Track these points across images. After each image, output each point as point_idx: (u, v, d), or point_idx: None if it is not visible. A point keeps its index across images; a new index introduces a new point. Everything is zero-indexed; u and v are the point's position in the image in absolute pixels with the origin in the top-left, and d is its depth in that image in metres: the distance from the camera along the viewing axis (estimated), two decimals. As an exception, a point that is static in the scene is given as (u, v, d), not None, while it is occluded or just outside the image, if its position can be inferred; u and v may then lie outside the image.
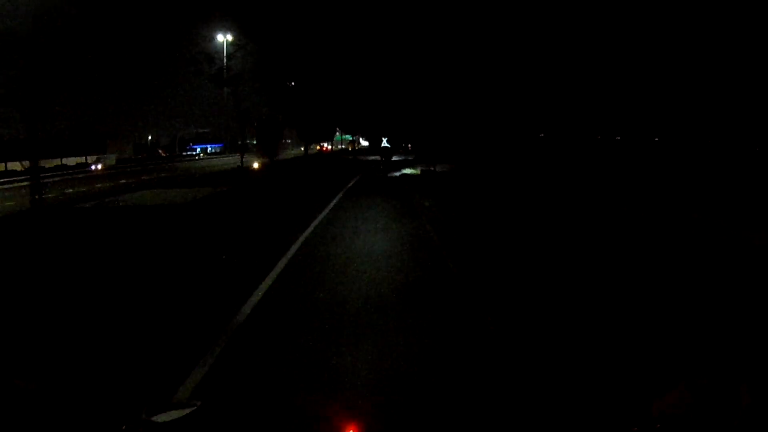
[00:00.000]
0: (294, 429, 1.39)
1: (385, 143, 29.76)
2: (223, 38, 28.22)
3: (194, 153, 53.99)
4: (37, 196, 11.58)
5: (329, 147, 65.61)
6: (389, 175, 24.04)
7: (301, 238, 8.15)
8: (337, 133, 70.55)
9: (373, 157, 37.36)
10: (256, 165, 27.96)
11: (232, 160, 41.01)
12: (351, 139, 70.59)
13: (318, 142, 49.82)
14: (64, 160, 34.66)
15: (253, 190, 17.27)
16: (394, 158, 34.82)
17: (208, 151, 57.03)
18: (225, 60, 25.61)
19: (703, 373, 2.48)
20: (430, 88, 32.88)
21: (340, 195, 14.93)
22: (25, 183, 15.64)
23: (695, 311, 4.56)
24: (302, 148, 56.36)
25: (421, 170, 24.23)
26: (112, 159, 40.91)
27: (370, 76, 39.78)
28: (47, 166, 31.02)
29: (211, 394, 3.03)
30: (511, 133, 34.74)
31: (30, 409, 1.22)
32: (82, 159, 36.89)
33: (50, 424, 1.19)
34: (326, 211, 11.44)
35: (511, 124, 34.13)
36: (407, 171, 25.54)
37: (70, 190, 18.02)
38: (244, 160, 25.74)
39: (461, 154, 29.43)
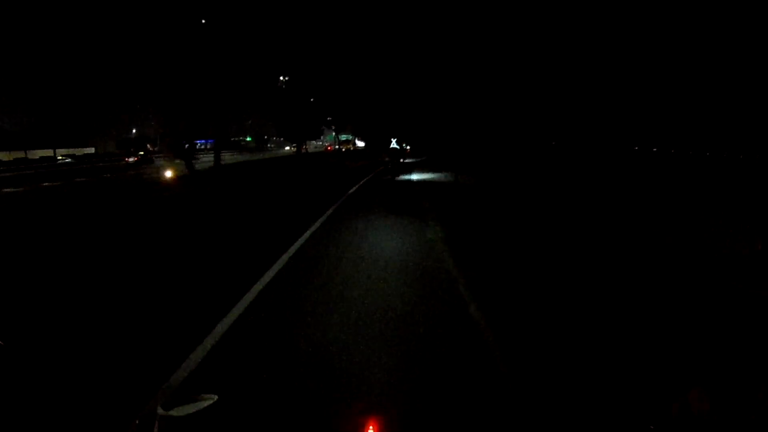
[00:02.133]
0: None
1: (394, 144, 25.70)
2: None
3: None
4: None
5: (329, 147, 63.62)
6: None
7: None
8: (332, 133, 68.77)
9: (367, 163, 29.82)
10: (169, 174, 20.03)
11: (207, 158, 38.86)
12: (346, 139, 68.67)
13: (301, 141, 47.95)
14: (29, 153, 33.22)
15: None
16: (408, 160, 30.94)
17: (197, 147, 55.39)
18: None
19: (719, 375, 2.43)
20: (439, 86, 30.50)
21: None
22: None
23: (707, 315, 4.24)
24: (289, 147, 54.36)
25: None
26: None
27: (369, 71, 37.69)
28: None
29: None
30: (525, 138, 32.71)
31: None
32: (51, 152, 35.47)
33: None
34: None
35: (525, 128, 32.03)
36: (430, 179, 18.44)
37: None
38: (160, 166, 20.94)
39: (479, 161, 25.36)
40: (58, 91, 42.67)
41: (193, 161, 22.91)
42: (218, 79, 24.53)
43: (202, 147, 57.48)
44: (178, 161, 22.61)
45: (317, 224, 8.58)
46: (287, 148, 56.90)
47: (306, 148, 55.75)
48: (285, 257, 6.14)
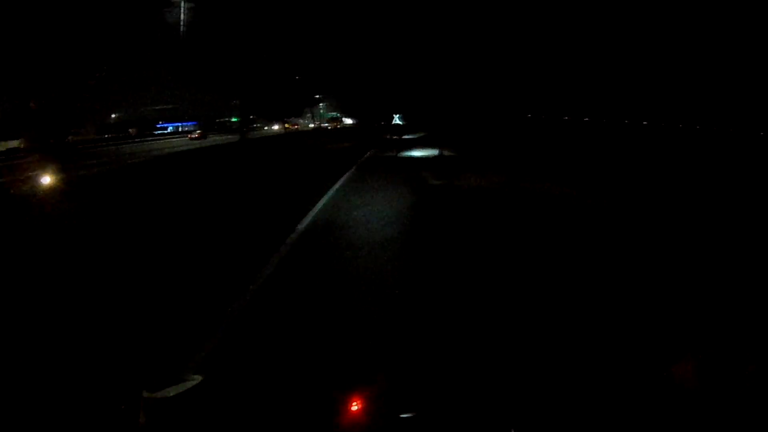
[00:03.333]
0: None
1: (396, 120, 24.50)
2: None
3: (164, 132, 51.14)
4: None
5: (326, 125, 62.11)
6: None
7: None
8: (322, 110, 67.51)
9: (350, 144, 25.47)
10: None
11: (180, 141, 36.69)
12: (332, 116, 67.47)
13: (282, 119, 46.75)
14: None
15: None
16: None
17: (180, 129, 54.08)
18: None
19: (707, 344, 2.43)
20: (432, 61, 29.49)
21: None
22: None
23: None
24: (277, 126, 53.16)
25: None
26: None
27: (359, 44, 36.61)
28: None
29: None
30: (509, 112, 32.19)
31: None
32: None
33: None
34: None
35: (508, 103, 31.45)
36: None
37: None
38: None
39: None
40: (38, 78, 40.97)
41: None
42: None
43: (187, 129, 56.16)
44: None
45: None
46: (276, 127, 55.67)
47: (294, 127, 54.61)
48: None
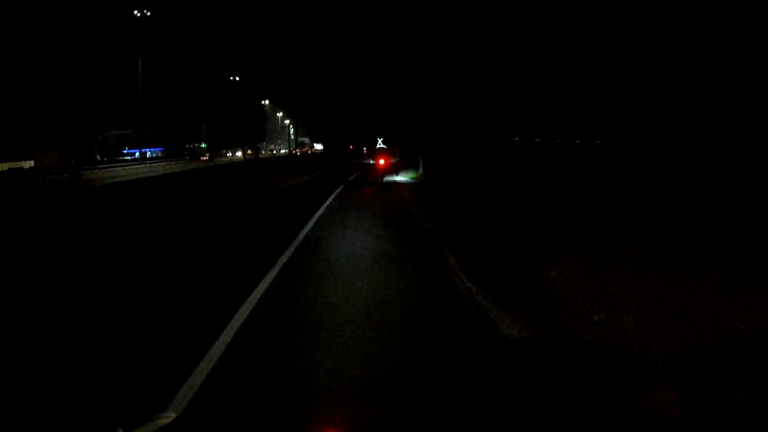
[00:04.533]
0: None
1: (380, 144, 24.00)
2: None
3: (129, 158, 50.28)
4: None
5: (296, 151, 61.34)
6: None
7: None
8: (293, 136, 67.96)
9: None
10: None
11: (143, 168, 33.83)
12: (301, 142, 68.10)
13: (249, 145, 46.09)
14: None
15: None
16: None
17: (147, 155, 53.26)
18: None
19: (688, 369, 2.16)
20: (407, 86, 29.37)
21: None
22: None
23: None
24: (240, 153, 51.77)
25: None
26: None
27: (330, 70, 37.21)
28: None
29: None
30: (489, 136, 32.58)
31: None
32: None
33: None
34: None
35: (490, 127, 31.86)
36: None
37: None
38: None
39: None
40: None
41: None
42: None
43: (153, 155, 55.35)
44: None
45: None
46: (239, 153, 54.98)
47: (256, 153, 54.29)
48: None
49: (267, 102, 56.04)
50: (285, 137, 65.51)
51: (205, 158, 51.38)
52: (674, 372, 1.98)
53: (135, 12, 28.51)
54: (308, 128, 61.23)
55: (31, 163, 41.54)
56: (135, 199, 14.83)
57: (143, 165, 42.44)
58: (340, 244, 7.17)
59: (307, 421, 1.65)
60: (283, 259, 6.21)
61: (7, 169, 34.81)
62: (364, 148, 51.30)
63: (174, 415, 1.37)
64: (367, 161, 35.97)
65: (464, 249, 6.58)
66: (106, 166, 39.30)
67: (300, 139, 70.66)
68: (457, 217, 9.81)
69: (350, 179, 21.58)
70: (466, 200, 12.60)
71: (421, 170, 23.00)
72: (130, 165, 41.77)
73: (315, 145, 70.30)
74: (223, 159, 54.39)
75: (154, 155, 55.62)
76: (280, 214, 11.46)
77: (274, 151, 76.57)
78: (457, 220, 9.30)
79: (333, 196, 14.22)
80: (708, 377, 1.34)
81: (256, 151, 39.99)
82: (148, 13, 30.95)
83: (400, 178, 21.35)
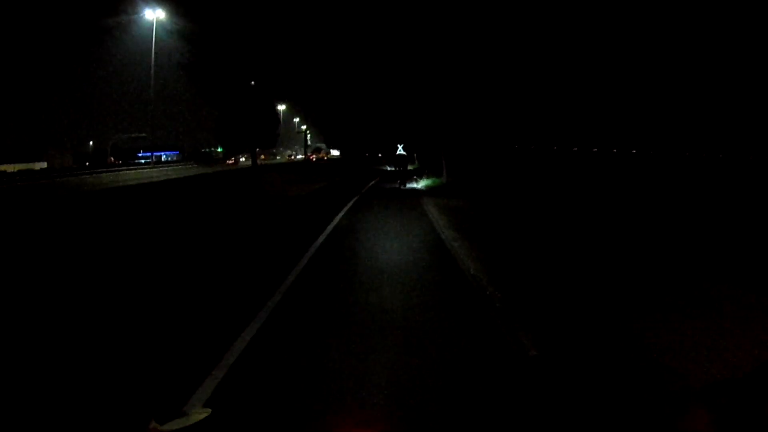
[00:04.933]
0: None
1: (400, 150, 22.70)
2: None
3: (143, 161, 49.64)
4: None
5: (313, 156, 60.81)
6: None
7: None
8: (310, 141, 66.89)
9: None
10: None
11: (155, 172, 32.39)
12: (317, 148, 67.00)
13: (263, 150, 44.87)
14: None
15: None
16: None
17: (162, 159, 52.68)
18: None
19: (722, 393, 2.11)
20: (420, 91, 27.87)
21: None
22: None
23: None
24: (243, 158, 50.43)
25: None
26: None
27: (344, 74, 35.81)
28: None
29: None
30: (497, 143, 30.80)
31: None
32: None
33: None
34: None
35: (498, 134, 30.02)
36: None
37: None
38: None
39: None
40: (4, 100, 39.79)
41: None
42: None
43: (169, 159, 54.68)
44: None
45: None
46: (262, 156, 54.25)
47: (265, 158, 52.84)
48: None
49: (284, 107, 55.00)
50: (302, 142, 64.47)
51: (230, 162, 49.57)
52: (708, 396, 2.00)
53: (147, 11, 27.43)
54: (324, 133, 59.93)
55: (44, 164, 41.21)
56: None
57: (155, 169, 41.33)
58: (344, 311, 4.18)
59: None
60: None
61: (16, 170, 34.23)
62: (379, 154, 49.64)
63: (209, 410, 1.43)
64: (385, 167, 35.80)
65: (542, 316, 3.91)
66: (117, 169, 38.33)
67: (316, 144, 69.45)
68: (508, 247, 7.01)
69: (366, 188, 19.50)
70: (509, 218, 10.18)
71: (444, 177, 21.17)
72: (137, 169, 40.18)
73: (332, 150, 68.94)
74: (247, 162, 53.08)
75: (169, 159, 55.04)
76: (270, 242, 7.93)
77: (292, 156, 75.77)
78: (510, 254, 6.47)
79: (342, 213, 11.04)
80: (743, 401, 1.40)
81: (254, 156, 38.10)
82: (162, 15, 29.95)
83: (422, 185, 19.95)
